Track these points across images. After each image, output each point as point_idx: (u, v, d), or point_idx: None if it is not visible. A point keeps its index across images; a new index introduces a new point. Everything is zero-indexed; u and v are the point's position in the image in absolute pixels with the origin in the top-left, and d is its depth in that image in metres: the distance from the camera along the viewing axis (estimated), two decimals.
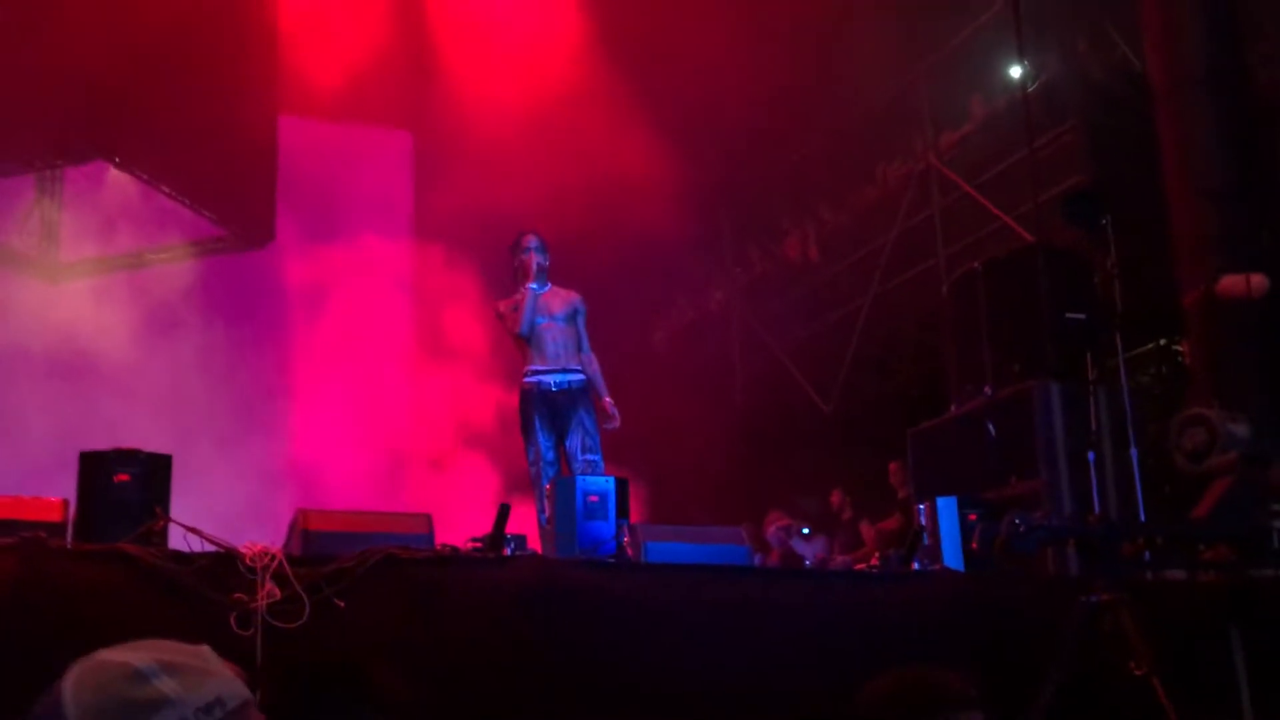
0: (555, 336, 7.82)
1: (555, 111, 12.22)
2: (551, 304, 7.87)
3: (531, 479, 7.64)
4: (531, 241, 7.96)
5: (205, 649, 1.64)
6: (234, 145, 11.58)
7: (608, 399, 7.87)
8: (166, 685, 1.56)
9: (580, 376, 7.82)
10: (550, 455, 7.64)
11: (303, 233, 12.89)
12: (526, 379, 7.78)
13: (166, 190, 11.53)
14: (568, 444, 7.68)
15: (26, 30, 9.63)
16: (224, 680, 1.61)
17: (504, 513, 5.40)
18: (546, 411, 7.70)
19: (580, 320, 7.95)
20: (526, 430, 7.73)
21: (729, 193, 14.99)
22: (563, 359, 7.79)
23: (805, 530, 11.57)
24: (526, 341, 7.80)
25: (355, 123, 14.13)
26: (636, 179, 11.90)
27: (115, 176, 11.45)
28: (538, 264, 7.85)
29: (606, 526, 5.92)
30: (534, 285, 7.83)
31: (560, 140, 12.10)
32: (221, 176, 11.67)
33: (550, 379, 7.75)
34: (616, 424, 7.83)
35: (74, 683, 1.57)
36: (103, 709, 1.54)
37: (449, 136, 13.31)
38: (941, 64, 12.54)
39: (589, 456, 7.63)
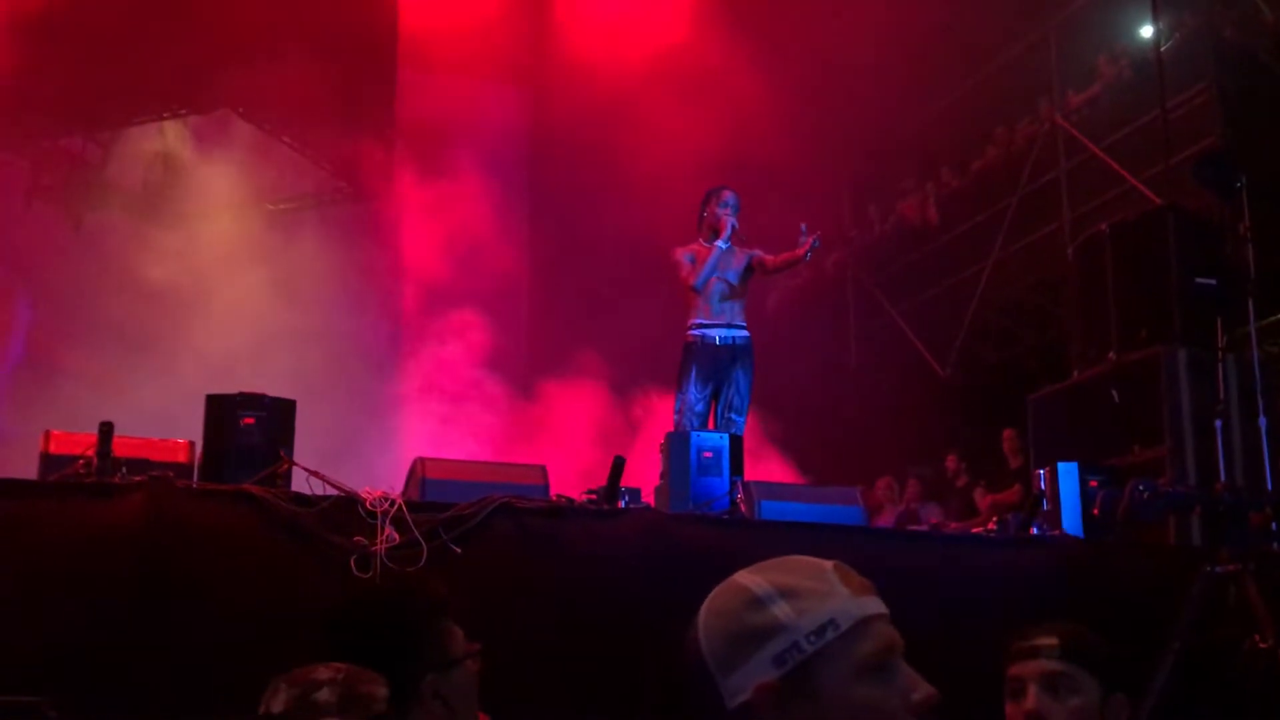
0: (725, 293, 7.79)
1: (677, 70, 12.19)
2: (730, 261, 7.84)
3: (673, 427, 7.51)
4: (730, 199, 7.93)
5: (830, 566, 1.64)
6: (352, 99, 11.74)
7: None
8: (780, 610, 1.57)
9: (745, 334, 7.80)
10: (700, 407, 7.60)
11: (420, 184, 12.99)
12: (691, 331, 7.75)
13: (287, 141, 11.74)
14: (720, 400, 7.66)
15: None
16: (841, 600, 1.59)
17: (619, 465, 5.41)
18: (707, 364, 7.67)
19: (749, 276, 7.91)
20: (681, 381, 7.69)
21: (849, 152, 14.80)
22: (727, 315, 7.78)
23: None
24: (696, 294, 7.77)
25: (472, 77, 14.19)
26: (756, 135, 11.81)
27: (239, 126, 11.68)
28: (732, 224, 7.81)
29: (720, 482, 5.91)
30: (722, 243, 7.78)
31: (683, 98, 12.05)
32: (340, 129, 11.85)
33: (715, 333, 7.72)
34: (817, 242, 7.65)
35: (707, 606, 1.62)
36: (727, 633, 1.58)
37: (566, 91, 13.32)
38: (1070, 22, 12.25)
39: (732, 415, 7.61)
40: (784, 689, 1.53)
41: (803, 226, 7.69)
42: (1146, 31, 11.20)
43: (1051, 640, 2.75)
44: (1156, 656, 4.22)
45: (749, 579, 1.62)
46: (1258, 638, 4.11)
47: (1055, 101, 12.39)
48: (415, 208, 13.06)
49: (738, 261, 7.86)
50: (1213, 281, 7.60)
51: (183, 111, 11.48)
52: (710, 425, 7.56)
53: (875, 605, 1.62)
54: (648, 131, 11.64)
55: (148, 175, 12.07)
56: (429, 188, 12.91)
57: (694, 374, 7.65)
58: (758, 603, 1.58)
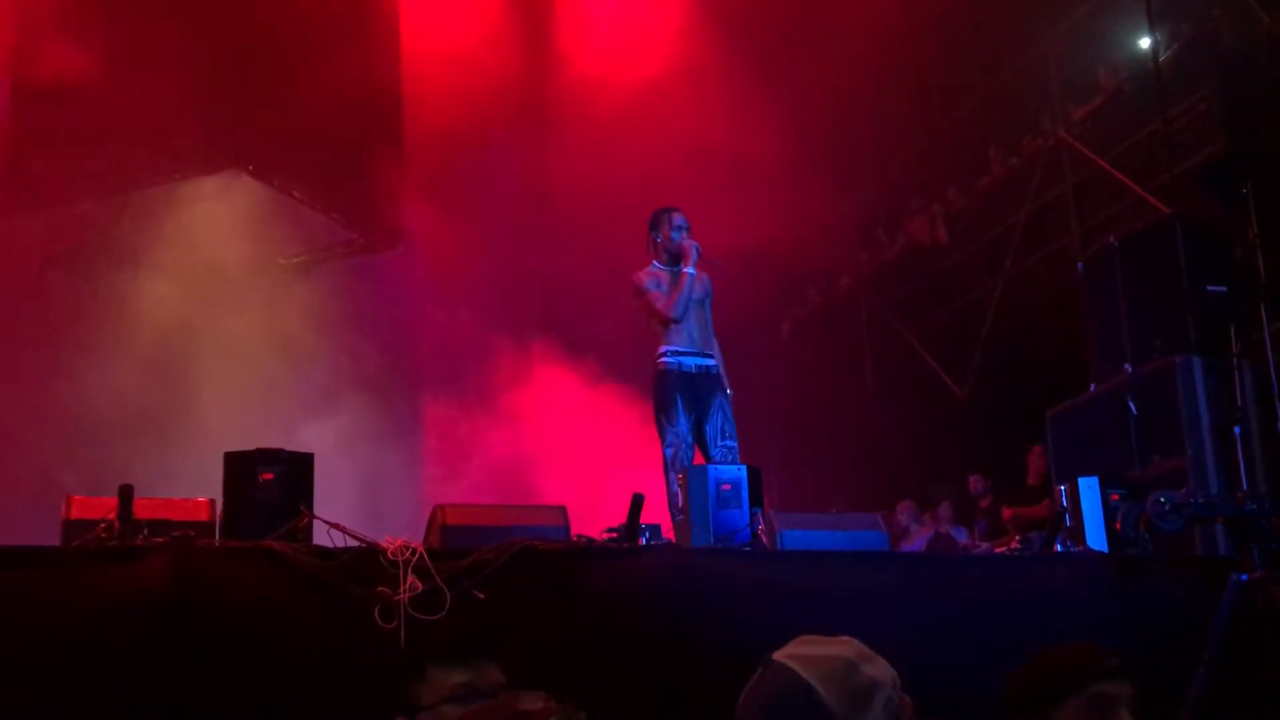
0: (694, 319, 7.70)
1: (673, 97, 12.24)
2: (696, 287, 7.73)
3: (667, 462, 7.42)
4: (681, 220, 7.82)
5: (851, 639, 1.98)
6: (360, 150, 11.82)
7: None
8: (869, 670, 1.88)
9: (716, 362, 7.71)
10: (689, 439, 7.47)
11: (432, 229, 13.04)
12: (665, 359, 7.59)
13: (297, 196, 11.81)
14: (707, 428, 7.52)
15: (159, 49, 9.93)
16: (885, 662, 1.93)
17: (638, 503, 5.41)
18: (688, 393, 7.54)
19: (708, 304, 7.88)
20: (667, 411, 7.51)
21: (854, 177, 14.83)
22: (699, 342, 7.67)
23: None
24: (668, 323, 7.68)
25: (477, 121, 14.25)
26: (758, 165, 11.85)
27: (248, 184, 11.76)
28: (696, 248, 7.70)
29: (740, 515, 5.89)
30: (690, 269, 7.68)
31: (680, 127, 12.10)
32: (348, 183, 11.94)
33: (691, 361, 7.61)
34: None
35: (807, 671, 1.88)
36: (849, 693, 1.84)
37: (566, 121, 13.37)
38: (1068, 36, 12.29)
39: (728, 442, 7.48)
40: None
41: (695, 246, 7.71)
42: (1145, 42, 11.22)
43: (1119, 661, 2.74)
44: (1188, 666, 4.20)
45: (831, 649, 1.93)
46: None
47: (1058, 116, 12.42)
48: (429, 256, 13.11)
49: (701, 287, 7.78)
50: (1224, 289, 7.59)
51: (194, 173, 11.56)
52: (699, 457, 7.47)
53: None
54: (651, 168, 11.68)
55: (160, 236, 12.14)
56: (441, 235, 12.98)
57: (680, 404, 7.50)
58: (854, 665, 1.87)
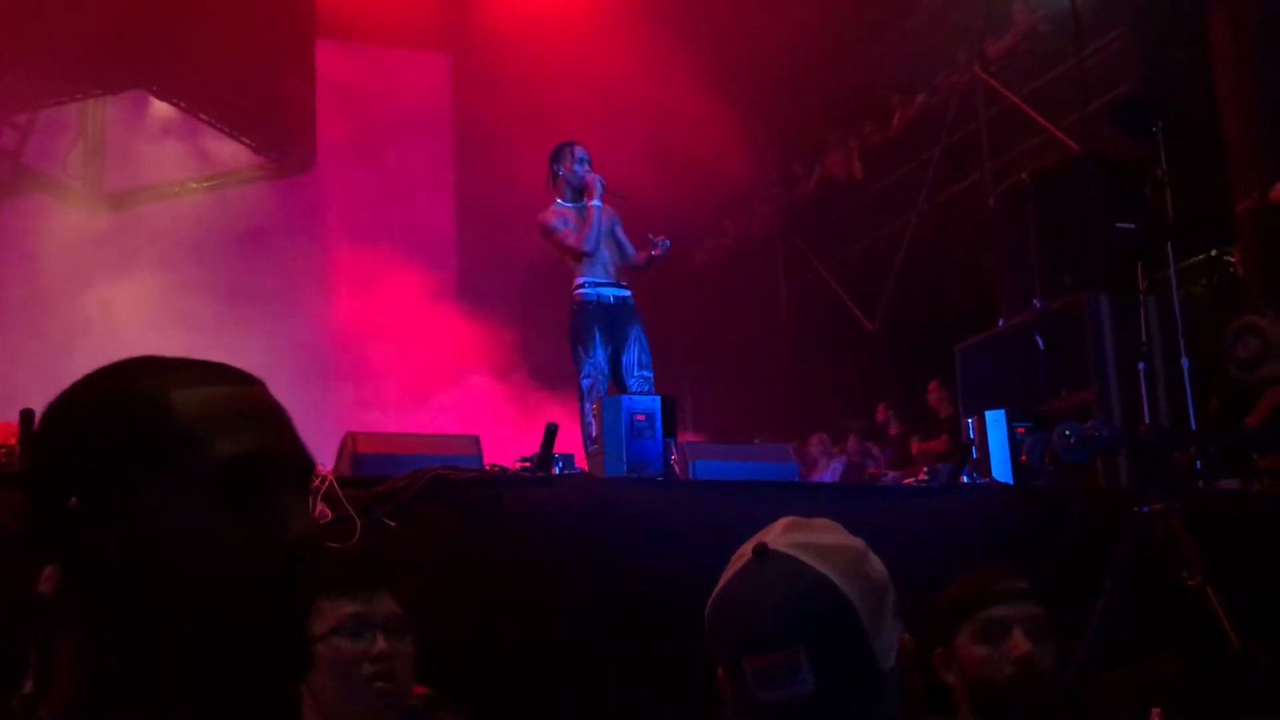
0: (607, 250, 7.72)
1: (594, 34, 12.12)
2: (604, 218, 7.76)
3: (583, 392, 7.44)
4: (582, 153, 7.83)
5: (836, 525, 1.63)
6: (272, 72, 11.57)
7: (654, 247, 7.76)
8: (877, 564, 1.57)
9: (630, 292, 7.74)
10: (606, 370, 7.50)
11: (343, 157, 12.87)
12: (582, 291, 7.61)
13: (205, 118, 11.55)
14: (624, 358, 7.55)
15: None
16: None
17: (551, 432, 5.39)
18: (605, 324, 7.56)
19: (619, 230, 7.89)
20: (584, 342, 7.53)
21: (770, 111, 14.82)
22: (613, 273, 7.71)
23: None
24: (584, 256, 7.68)
25: (393, 46, 14.04)
26: (677, 99, 11.80)
27: (155, 106, 11.48)
28: (601, 181, 7.71)
29: (654, 445, 5.92)
30: (597, 203, 7.68)
31: (599, 62, 11.99)
32: (260, 103, 11.68)
33: (609, 292, 7.64)
34: (666, 244, 7.73)
35: (826, 564, 1.51)
36: (868, 591, 1.51)
37: (487, 58, 13.22)
38: None
39: (644, 372, 7.52)
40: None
41: (652, 238, 7.73)
42: None
43: (1025, 584, 2.76)
44: (1090, 598, 4.27)
45: (842, 536, 1.58)
46: (1185, 575, 4.17)
47: (974, 52, 12.45)
48: (341, 180, 12.95)
49: (608, 218, 7.80)
50: (1133, 226, 7.70)
51: (96, 91, 11.24)
52: (613, 387, 7.51)
53: None
54: (570, 93, 11.58)
55: (67, 158, 11.85)
56: (352, 160, 12.81)
57: (597, 335, 7.52)
58: (866, 557, 1.56)
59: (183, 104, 11.35)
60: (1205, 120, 8.27)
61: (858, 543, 1.56)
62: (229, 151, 12.07)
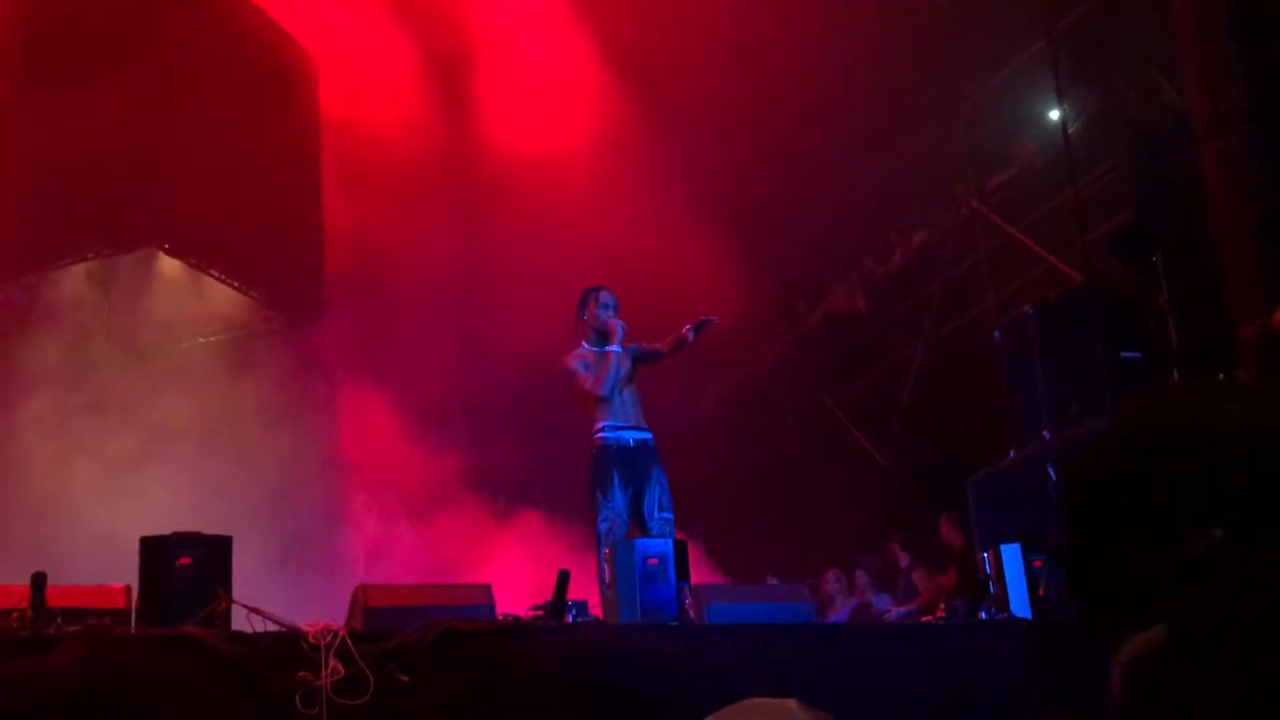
0: (629, 395, 7.74)
1: (597, 175, 12.31)
2: (624, 363, 7.79)
3: (600, 537, 7.39)
4: (608, 299, 7.89)
5: (793, 704, 1.85)
6: (280, 227, 11.76)
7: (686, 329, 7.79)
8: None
9: (650, 434, 7.74)
10: (625, 514, 7.46)
11: (352, 308, 12.98)
12: (602, 434, 7.60)
13: (215, 274, 11.70)
14: (646, 500, 7.53)
15: (74, 122, 9.82)
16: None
17: (564, 579, 5.37)
18: (626, 469, 7.54)
19: (641, 353, 7.91)
20: (603, 486, 7.49)
21: (773, 249, 14.96)
22: (633, 416, 7.70)
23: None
24: (603, 400, 7.67)
25: (401, 200, 14.23)
26: (679, 240, 11.93)
27: (164, 263, 11.64)
28: (622, 326, 7.76)
29: (667, 589, 5.86)
30: (616, 348, 7.73)
31: (600, 204, 12.15)
32: (268, 258, 11.85)
33: (629, 435, 7.63)
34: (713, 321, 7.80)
35: None
36: None
37: (493, 206, 13.39)
38: (981, 107, 12.52)
39: (665, 514, 7.49)
40: None
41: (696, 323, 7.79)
42: (1055, 114, 11.45)
43: None
44: None
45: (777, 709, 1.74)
46: None
47: (972, 186, 12.61)
48: (348, 333, 13.02)
49: (627, 361, 7.82)
50: (1137, 354, 7.72)
51: (106, 251, 11.40)
52: (634, 530, 7.46)
53: None
54: (578, 239, 11.72)
55: (76, 318, 11.95)
56: (362, 313, 12.91)
57: (616, 480, 7.50)
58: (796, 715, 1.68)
59: (193, 260, 11.51)
60: (1204, 247, 8.33)
61: (795, 705, 1.80)
62: (238, 305, 12.19)
